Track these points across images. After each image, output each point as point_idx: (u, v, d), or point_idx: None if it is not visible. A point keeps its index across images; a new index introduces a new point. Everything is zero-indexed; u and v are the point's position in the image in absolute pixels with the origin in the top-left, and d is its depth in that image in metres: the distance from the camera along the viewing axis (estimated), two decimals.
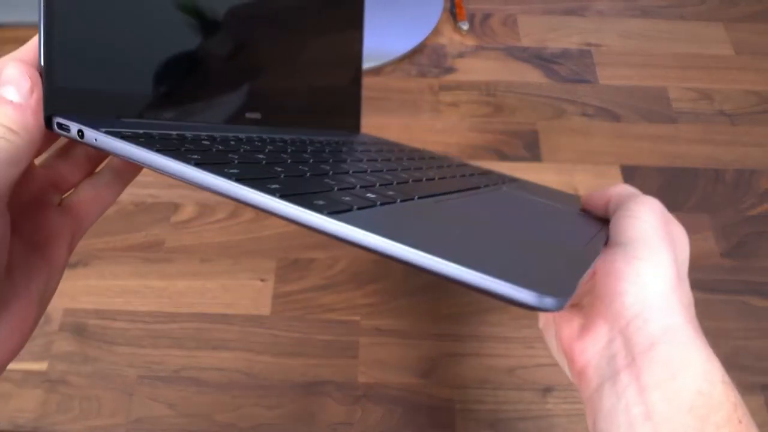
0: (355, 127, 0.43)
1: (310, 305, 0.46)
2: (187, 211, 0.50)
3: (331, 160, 0.28)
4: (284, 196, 0.18)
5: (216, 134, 0.27)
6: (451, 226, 0.21)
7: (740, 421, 0.22)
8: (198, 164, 0.20)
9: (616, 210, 0.29)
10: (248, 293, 0.46)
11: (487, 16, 0.67)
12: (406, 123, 0.57)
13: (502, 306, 0.46)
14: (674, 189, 0.53)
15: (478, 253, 0.17)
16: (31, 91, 0.22)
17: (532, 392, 0.42)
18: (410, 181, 0.27)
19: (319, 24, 0.36)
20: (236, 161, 0.22)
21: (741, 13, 0.68)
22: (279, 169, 0.23)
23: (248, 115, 0.32)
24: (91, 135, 0.22)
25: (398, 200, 0.22)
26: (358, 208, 0.19)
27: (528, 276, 0.16)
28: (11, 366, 0.44)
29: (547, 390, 0.42)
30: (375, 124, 0.57)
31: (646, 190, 0.55)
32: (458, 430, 0.41)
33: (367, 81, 0.60)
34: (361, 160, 0.31)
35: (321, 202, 0.18)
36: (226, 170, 0.20)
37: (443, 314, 0.46)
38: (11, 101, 0.22)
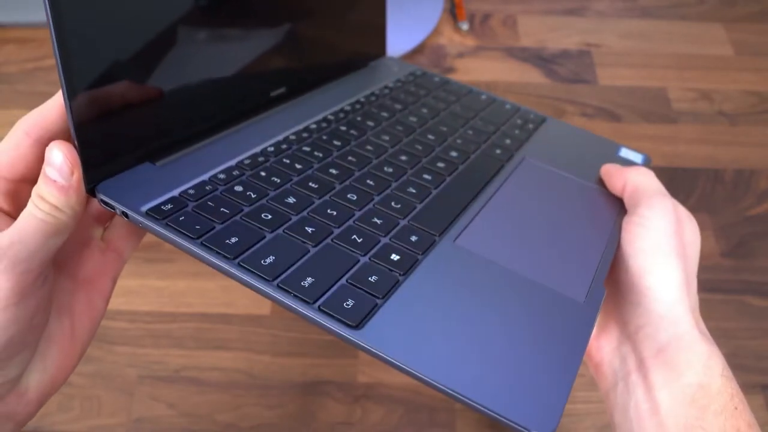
0: (381, 50, 0.43)
1: None
2: None
3: (356, 173, 0.30)
4: (321, 311, 0.22)
5: (246, 156, 0.29)
6: (455, 329, 0.23)
7: (736, 408, 0.24)
8: (240, 265, 0.23)
9: (629, 207, 0.30)
10: (248, 293, 0.46)
11: (487, 16, 0.67)
12: None
13: None
14: (674, 189, 0.53)
15: (476, 375, 0.21)
16: (71, 172, 0.23)
17: None
18: (433, 191, 0.30)
19: None
20: (268, 235, 0.24)
21: (741, 13, 0.68)
22: (310, 231, 0.25)
23: (273, 93, 0.33)
24: (136, 218, 0.24)
25: (420, 254, 0.25)
26: (383, 297, 0.23)
27: (521, 406, 0.19)
28: None
29: None
30: None
31: None
32: (458, 430, 0.41)
33: None
34: (386, 151, 0.32)
35: (349, 304, 0.22)
36: (267, 278, 0.23)
37: None
38: (55, 182, 0.22)
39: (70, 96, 0.23)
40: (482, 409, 0.19)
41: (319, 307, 0.22)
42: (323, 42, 0.37)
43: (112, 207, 0.24)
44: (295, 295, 0.22)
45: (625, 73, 0.62)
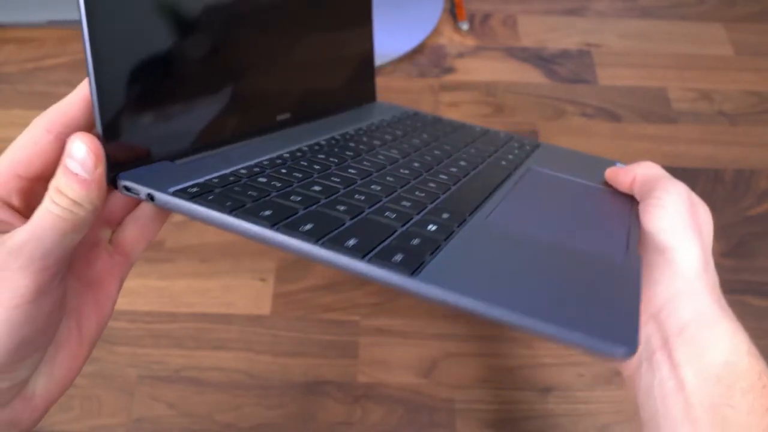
0: (372, 96, 0.45)
1: (310, 305, 0.46)
2: None
3: (374, 173, 0.30)
4: (366, 257, 0.21)
5: (264, 159, 0.29)
6: (514, 268, 0.23)
7: (765, 387, 0.24)
8: (274, 225, 0.22)
9: (643, 194, 0.31)
10: (248, 293, 0.46)
11: (487, 16, 0.67)
12: None
13: None
14: None
15: (551, 305, 0.20)
16: (95, 166, 0.22)
17: (533, 392, 0.42)
18: (452, 186, 0.30)
19: (330, 10, 0.38)
20: (302, 211, 0.24)
21: (741, 13, 0.68)
22: (342, 208, 0.24)
23: (279, 117, 0.34)
24: (163, 199, 0.23)
25: (455, 226, 0.25)
26: (431, 253, 0.22)
27: (603, 328, 0.19)
28: None
29: (548, 390, 0.43)
30: None
31: None
32: (458, 430, 0.41)
33: None
34: (397, 161, 0.33)
35: (398, 258, 0.21)
36: (301, 228, 0.22)
37: (443, 314, 0.46)
38: (77, 175, 0.22)
39: (99, 86, 0.23)
40: (569, 340, 0.18)
41: (368, 258, 0.21)
42: (319, 83, 0.38)
43: (136, 192, 0.24)
44: (342, 250, 0.21)
45: (625, 73, 0.62)
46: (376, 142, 0.36)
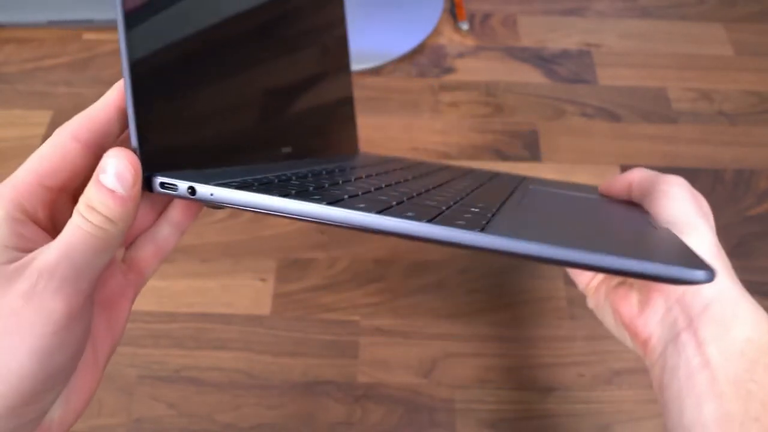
0: (355, 149, 0.46)
1: (310, 305, 0.46)
2: None
3: (404, 181, 0.30)
4: (431, 221, 0.20)
5: (287, 171, 0.29)
6: (575, 223, 0.23)
7: None
8: (331, 203, 0.21)
9: (644, 193, 0.31)
10: (248, 293, 0.46)
11: (487, 16, 0.67)
12: (406, 123, 0.57)
13: (502, 306, 0.46)
14: None
15: (634, 247, 0.20)
16: (134, 183, 0.21)
17: (532, 392, 0.42)
18: (470, 192, 0.30)
19: (317, 73, 0.39)
20: (354, 196, 0.23)
21: (741, 13, 0.68)
22: (392, 193, 0.24)
23: (283, 149, 0.35)
24: (206, 190, 0.22)
25: (494, 209, 0.24)
26: (486, 222, 0.21)
27: (685, 260, 0.20)
28: None
29: (548, 390, 0.43)
30: (375, 124, 0.57)
31: None
32: (458, 430, 0.41)
33: (367, 81, 0.60)
34: (408, 179, 0.34)
35: (463, 222, 0.21)
36: (361, 205, 0.21)
37: (443, 314, 0.46)
38: (113, 191, 0.20)
39: (136, 92, 0.22)
40: (652, 272, 0.19)
41: (430, 221, 0.20)
42: (312, 126, 0.39)
43: (174, 188, 0.23)
44: (403, 218, 0.20)
45: (625, 73, 0.62)
46: (380, 169, 0.36)
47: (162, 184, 0.23)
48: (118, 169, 0.21)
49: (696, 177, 0.54)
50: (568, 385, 0.43)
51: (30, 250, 0.20)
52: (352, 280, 0.47)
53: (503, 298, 0.46)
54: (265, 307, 0.45)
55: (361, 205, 0.21)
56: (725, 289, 0.27)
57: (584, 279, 0.34)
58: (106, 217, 0.21)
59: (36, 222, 0.22)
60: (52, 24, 0.62)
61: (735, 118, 0.58)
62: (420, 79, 0.61)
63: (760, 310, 0.27)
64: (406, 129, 0.57)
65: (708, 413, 0.25)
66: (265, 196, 0.21)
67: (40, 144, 0.23)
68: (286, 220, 0.49)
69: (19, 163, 0.23)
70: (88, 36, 0.62)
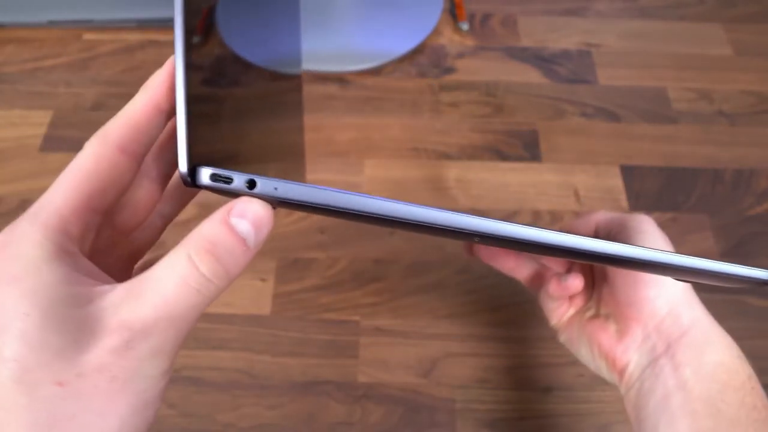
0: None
1: (310, 305, 0.46)
2: (188, 211, 0.50)
3: None
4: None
5: None
6: None
7: (753, 388, 0.27)
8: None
9: (617, 231, 0.33)
10: (248, 293, 0.46)
11: (487, 17, 0.67)
12: (406, 123, 0.57)
13: (501, 306, 0.46)
14: (674, 189, 0.53)
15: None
16: (264, 238, 0.18)
17: (532, 392, 0.42)
18: None
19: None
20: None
21: (740, 13, 0.68)
22: None
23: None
24: (269, 184, 0.19)
25: None
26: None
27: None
28: None
29: (547, 390, 0.43)
30: (375, 124, 0.57)
31: (646, 190, 0.55)
32: (458, 430, 0.41)
33: (367, 81, 0.60)
34: None
35: None
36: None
37: (443, 314, 0.46)
38: (243, 240, 0.17)
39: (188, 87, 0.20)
40: (751, 277, 0.21)
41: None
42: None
43: (228, 180, 0.19)
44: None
45: (624, 73, 0.62)
46: None
47: (213, 176, 0.19)
48: (257, 216, 0.17)
49: (696, 177, 0.54)
50: (567, 385, 0.43)
51: (86, 287, 0.17)
52: (352, 280, 0.47)
53: (503, 298, 0.46)
54: (265, 307, 0.45)
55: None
56: (700, 317, 0.30)
57: (557, 314, 0.36)
58: (225, 269, 0.17)
59: (85, 254, 0.19)
60: (52, 24, 0.62)
61: (734, 118, 0.59)
62: (420, 79, 0.61)
63: (729, 338, 0.29)
64: (406, 129, 0.57)
65: (681, 429, 0.27)
66: (342, 193, 0.19)
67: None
68: (288, 220, 0.49)
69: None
70: (88, 36, 0.62)
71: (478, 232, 0.20)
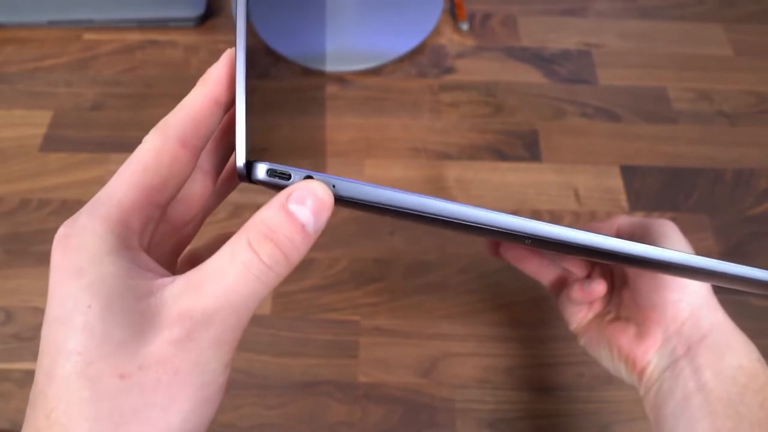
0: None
1: (310, 305, 0.46)
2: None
3: None
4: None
5: None
6: None
7: None
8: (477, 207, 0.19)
9: (641, 235, 0.34)
10: None
11: (487, 17, 0.67)
12: (406, 123, 0.57)
13: (501, 306, 0.46)
14: (674, 189, 0.53)
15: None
16: (324, 224, 0.17)
17: (532, 392, 0.42)
18: None
19: None
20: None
21: (740, 13, 0.68)
22: None
23: None
24: (327, 181, 0.18)
25: None
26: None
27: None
28: (12, 366, 0.45)
29: (547, 390, 0.43)
30: (375, 124, 0.57)
31: (646, 190, 0.55)
32: (458, 430, 0.41)
33: (367, 81, 0.60)
34: None
35: None
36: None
37: (443, 314, 0.46)
38: (303, 226, 0.17)
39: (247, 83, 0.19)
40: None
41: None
42: None
43: (284, 176, 0.19)
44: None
45: (625, 73, 0.62)
46: None
47: (270, 171, 0.19)
48: (317, 201, 0.17)
49: (696, 177, 0.54)
50: (567, 385, 0.43)
51: (146, 280, 0.17)
52: (352, 280, 0.47)
53: (503, 298, 0.46)
54: (265, 307, 0.45)
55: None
56: (721, 321, 0.30)
57: (577, 318, 0.36)
58: (285, 256, 0.17)
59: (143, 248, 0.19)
60: (52, 24, 0.62)
61: (734, 118, 0.59)
62: (420, 79, 0.61)
63: (750, 342, 0.30)
64: (406, 129, 0.57)
65: (701, 430, 0.27)
66: (403, 194, 0.19)
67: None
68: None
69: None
70: (88, 36, 0.62)
71: (541, 237, 0.20)
